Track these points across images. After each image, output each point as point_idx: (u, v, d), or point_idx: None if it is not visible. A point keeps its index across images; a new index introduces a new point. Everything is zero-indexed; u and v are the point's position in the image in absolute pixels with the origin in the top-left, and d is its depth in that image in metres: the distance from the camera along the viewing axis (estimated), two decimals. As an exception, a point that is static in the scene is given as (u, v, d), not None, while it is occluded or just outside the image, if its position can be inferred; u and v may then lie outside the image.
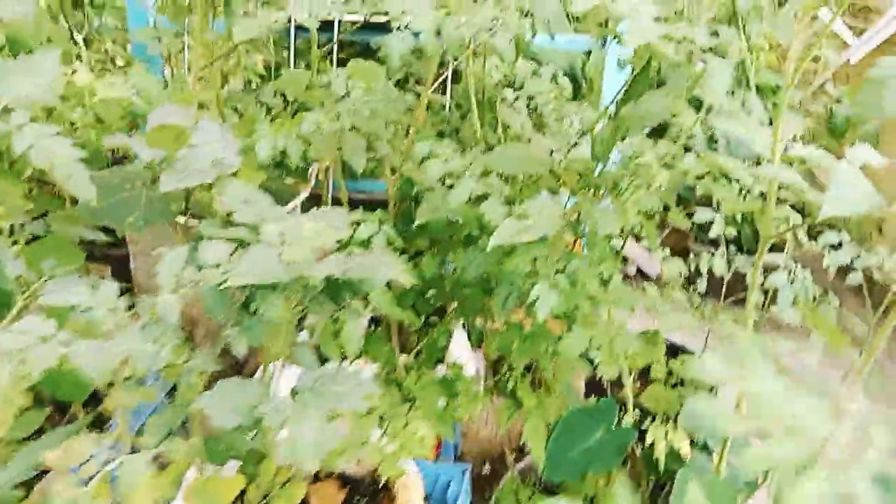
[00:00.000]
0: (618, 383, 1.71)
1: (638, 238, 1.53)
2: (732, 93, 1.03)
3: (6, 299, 1.03)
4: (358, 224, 1.24)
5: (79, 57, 1.70)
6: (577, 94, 1.91)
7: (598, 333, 1.20)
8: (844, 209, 0.77)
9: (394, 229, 1.43)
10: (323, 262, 0.92)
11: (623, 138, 1.09)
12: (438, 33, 1.02)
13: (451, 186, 1.17)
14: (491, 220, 1.10)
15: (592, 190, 1.14)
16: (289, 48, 2.01)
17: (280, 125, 1.24)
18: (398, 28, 1.01)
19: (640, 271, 3.49)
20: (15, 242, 1.10)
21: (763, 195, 1.15)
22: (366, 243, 1.23)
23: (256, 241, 0.94)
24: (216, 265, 0.89)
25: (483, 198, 1.12)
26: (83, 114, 1.30)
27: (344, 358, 1.48)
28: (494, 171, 1.21)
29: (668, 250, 1.67)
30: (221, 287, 0.83)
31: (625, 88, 1.16)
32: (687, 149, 1.23)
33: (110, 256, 2.18)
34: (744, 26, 1.09)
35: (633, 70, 1.19)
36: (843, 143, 2.58)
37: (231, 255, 0.90)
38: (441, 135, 1.56)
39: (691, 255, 1.63)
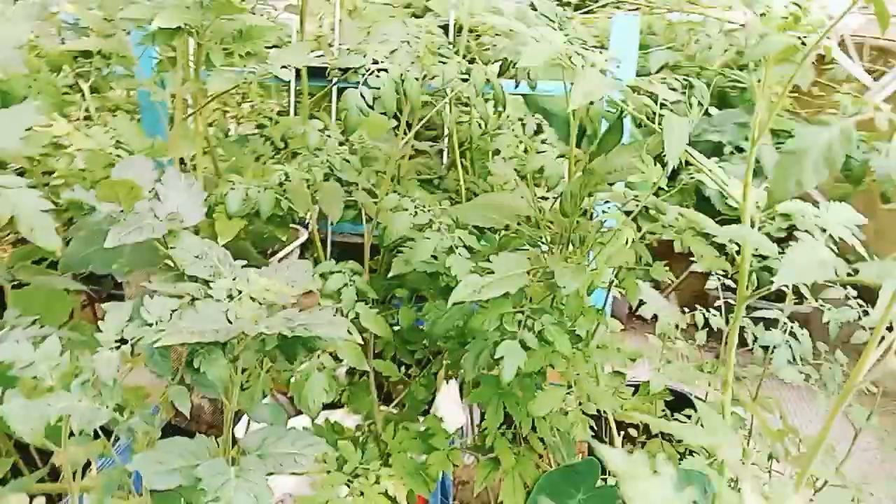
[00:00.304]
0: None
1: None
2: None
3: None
4: (329, 274, 1.22)
5: (74, 106, 1.73)
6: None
7: (576, 390, 1.15)
8: (798, 278, 0.72)
9: (378, 277, 1.41)
10: (266, 321, 0.90)
11: (590, 194, 1.05)
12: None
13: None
14: (456, 274, 1.08)
15: (562, 245, 1.11)
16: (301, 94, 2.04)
17: (253, 175, 1.23)
18: (358, 82, 1.00)
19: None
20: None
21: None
22: (335, 295, 1.21)
23: (205, 297, 0.93)
24: (157, 321, 0.88)
25: (451, 251, 1.09)
26: (69, 163, 1.32)
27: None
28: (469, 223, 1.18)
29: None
30: (158, 345, 0.81)
31: (597, 141, 1.13)
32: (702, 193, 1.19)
33: (115, 297, 2.21)
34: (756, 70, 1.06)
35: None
36: (860, 188, 2.50)
37: (173, 311, 0.89)
38: (429, 182, 1.55)
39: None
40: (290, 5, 1.85)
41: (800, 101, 2.97)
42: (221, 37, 1.37)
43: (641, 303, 1.25)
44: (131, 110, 2.06)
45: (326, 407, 1.66)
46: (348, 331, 0.91)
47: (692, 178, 2.71)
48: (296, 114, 1.96)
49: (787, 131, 2.65)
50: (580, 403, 1.14)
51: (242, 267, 1.05)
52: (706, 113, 1.13)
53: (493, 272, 1.04)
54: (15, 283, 1.42)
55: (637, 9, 2.77)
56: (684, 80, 1.07)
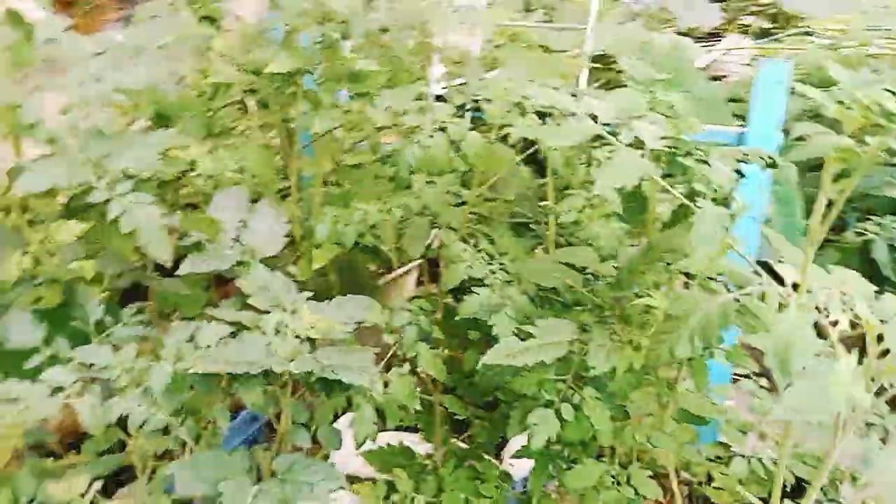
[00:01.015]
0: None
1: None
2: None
3: (84, 340, 1.22)
4: (399, 311, 1.28)
5: (240, 122, 1.94)
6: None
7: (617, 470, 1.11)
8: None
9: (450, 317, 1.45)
10: (299, 360, 0.97)
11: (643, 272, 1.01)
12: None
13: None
14: (498, 333, 1.09)
15: (610, 321, 1.07)
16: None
17: (342, 209, 1.32)
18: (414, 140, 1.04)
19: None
20: (104, 291, 1.30)
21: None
22: (396, 331, 1.26)
23: (255, 328, 1.03)
24: (206, 346, 0.99)
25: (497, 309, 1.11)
26: (201, 184, 1.50)
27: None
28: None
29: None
30: (192, 371, 0.92)
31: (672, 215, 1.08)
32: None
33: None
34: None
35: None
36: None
37: (221, 339, 0.99)
38: (524, 226, 1.55)
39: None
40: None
41: None
42: (337, 78, 1.48)
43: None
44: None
45: (406, 429, 1.73)
46: (372, 380, 0.96)
47: (862, 234, 2.44)
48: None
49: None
50: (619, 483, 1.10)
51: (308, 298, 1.15)
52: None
53: (533, 337, 1.04)
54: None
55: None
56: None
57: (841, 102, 0.84)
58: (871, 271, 2.30)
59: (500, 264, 1.18)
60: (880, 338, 0.64)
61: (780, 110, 1.76)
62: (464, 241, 1.41)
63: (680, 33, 3.99)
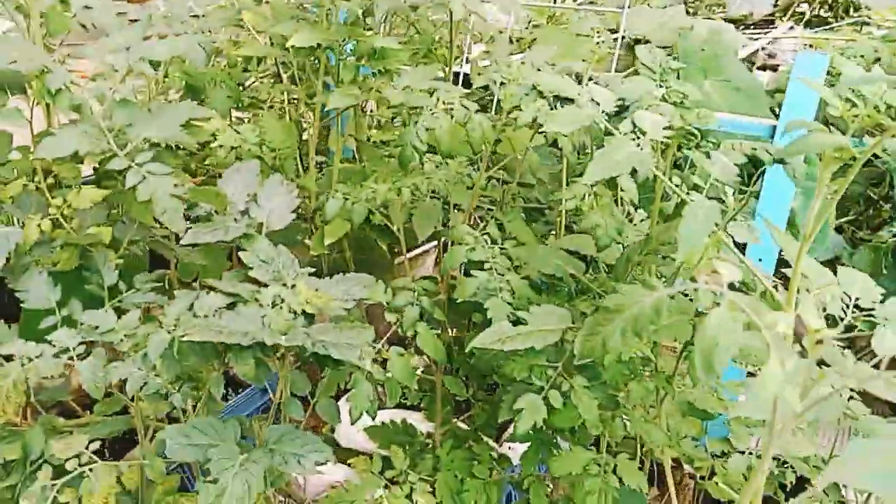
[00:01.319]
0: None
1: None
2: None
3: (99, 304, 1.27)
4: (400, 290, 1.29)
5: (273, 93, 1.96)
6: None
7: (605, 458, 1.11)
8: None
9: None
10: (292, 333, 0.99)
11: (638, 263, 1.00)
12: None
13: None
14: (492, 317, 1.09)
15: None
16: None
17: (353, 187, 1.34)
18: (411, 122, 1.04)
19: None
20: (120, 257, 1.35)
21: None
22: (399, 311, 1.27)
23: (254, 301, 1.05)
24: (204, 315, 1.01)
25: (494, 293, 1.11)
26: (224, 156, 1.52)
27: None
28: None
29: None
30: (185, 339, 0.94)
31: (674, 208, 1.06)
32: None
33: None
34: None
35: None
36: None
37: (219, 309, 1.02)
38: (538, 211, 1.55)
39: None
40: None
41: None
42: (359, 55, 1.49)
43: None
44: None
45: (410, 407, 1.75)
46: (362, 358, 0.98)
47: (896, 236, 2.35)
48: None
49: None
50: (605, 473, 1.10)
51: (310, 274, 1.17)
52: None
53: (526, 323, 1.04)
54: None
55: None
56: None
57: (848, 100, 0.81)
58: (906, 275, 2.22)
59: (502, 249, 1.18)
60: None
61: (812, 104, 1.71)
62: (473, 224, 1.42)
63: (732, 20, 3.87)
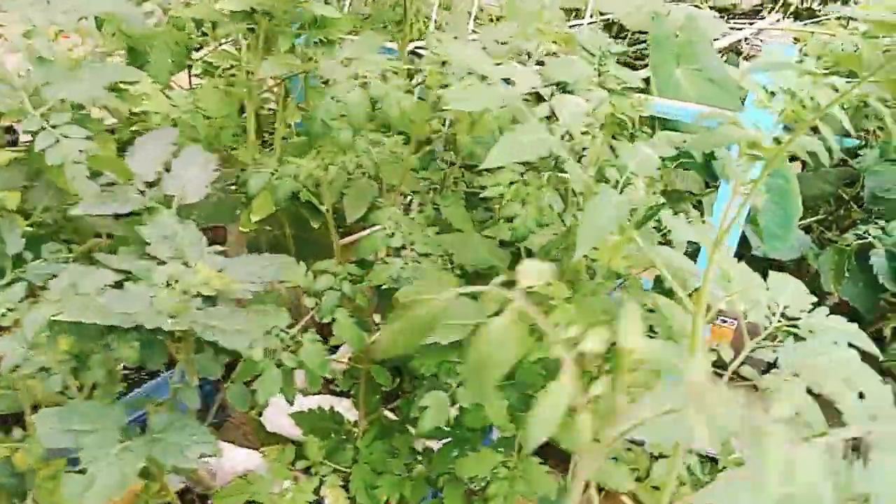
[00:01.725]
0: None
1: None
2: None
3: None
4: (321, 273, 1.23)
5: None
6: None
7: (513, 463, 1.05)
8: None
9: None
10: (180, 317, 0.92)
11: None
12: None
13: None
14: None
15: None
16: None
17: (279, 162, 1.26)
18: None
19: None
20: (31, 225, 1.27)
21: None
22: (318, 295, 1.21)
23: (146, 280, 0.98)
24: (89, 293, 0.94)
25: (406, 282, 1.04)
26: (158, 124, 1.44)
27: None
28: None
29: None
30: (58, 318, 0.88)
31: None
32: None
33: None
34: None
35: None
36: None
37: (104, 287, 0.95)
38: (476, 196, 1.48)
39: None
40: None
41: None
42: (299, 23, 1.40)
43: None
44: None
45: (341, 394, 1.70)
46: (252, 345, 0.91)
47: (864, 237, 2.30)
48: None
49: None
50: (512, 478, 1.04)
51: (217, 253, 1.10)
52: None
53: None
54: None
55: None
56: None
57: (772, 93, 0.75)
58: (870, 278, 2.17)
59: (425, 235, 1.11)
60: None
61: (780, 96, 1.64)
62: (409, 208, 1.35)
63: (720, 8, 3.78)
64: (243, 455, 1.45)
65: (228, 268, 1.08)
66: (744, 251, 2.24)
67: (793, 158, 2.44)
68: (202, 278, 0.98)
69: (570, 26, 2.26)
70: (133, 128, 1.52)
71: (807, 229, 2.57)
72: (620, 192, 0.78)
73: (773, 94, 0.73)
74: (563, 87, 1.04)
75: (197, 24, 1.74)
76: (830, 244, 2.34)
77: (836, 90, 0.71)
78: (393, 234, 1.10)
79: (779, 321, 0.96)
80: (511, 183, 1.02)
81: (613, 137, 1.04)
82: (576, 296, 0.93)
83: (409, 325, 0.54)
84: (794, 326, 0.95)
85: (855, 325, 0.98)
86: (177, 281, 0.98)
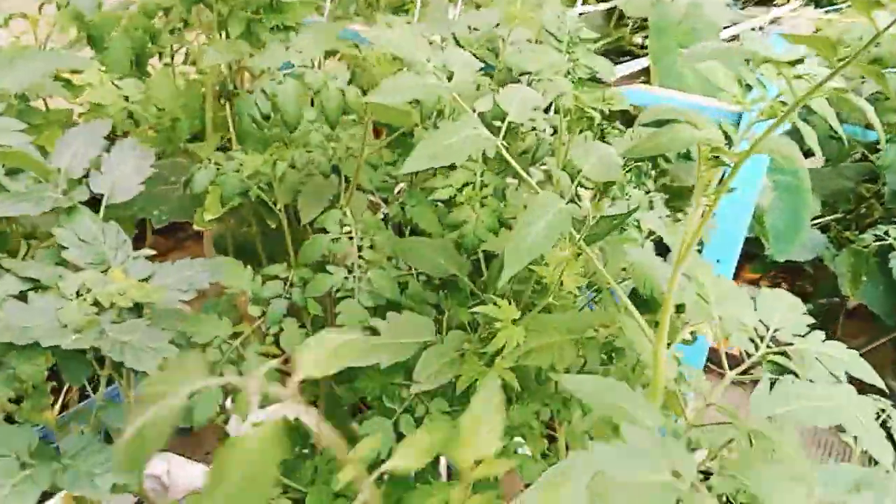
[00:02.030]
0: None
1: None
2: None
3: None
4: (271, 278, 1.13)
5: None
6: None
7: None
8: None
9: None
10: (85, 333, 0.83)
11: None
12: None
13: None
14: (344, 323, 0.92)
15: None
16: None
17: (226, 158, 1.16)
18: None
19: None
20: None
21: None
22: (265, 303, 1.11)
23: (56, 289, 0.88)
24: (-13, 304, 0.85)
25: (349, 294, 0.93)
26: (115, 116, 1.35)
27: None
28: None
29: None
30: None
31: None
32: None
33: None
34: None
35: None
36: None
37: (7, 297, 0.85)
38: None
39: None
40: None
41: None
42: (255, 7, 1.30)
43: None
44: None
45: (314, 402, 1.59)
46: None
47: (883, 238, 2.14)
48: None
49: None
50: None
51: (148, 258, 1.00)
52: None
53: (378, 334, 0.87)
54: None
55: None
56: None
57: (748, 86, 0.63)
58: (890, 281, 2.02)
59: (371, 240, 1.00)
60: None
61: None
62: (377, 208, 1.25)
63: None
64: (198, 471, 1.36)
65: (158, 274, 0.98)
66: (757, 251, 2.10)
67: (807, 154, 2.29)
68: (117, 287, 0.89)
69: (580, 14, 2.13)
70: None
71: (824, 228, 2.42)
72: (571, 201, 0.67)
73: (749, 87, 0.61)
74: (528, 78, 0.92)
75: (165, 10, 1.64)
76: (849, 244, 2.20)
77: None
78: (338, 238, 0.99)
79: (767, 346, 0.84)
80: (466, 184, 0.91)
81: (581, 133, 0.93)
82: (529, 316, 0.81)
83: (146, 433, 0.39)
84: (784, 354, 0.83)
85: (854, 353, 0.86)
86: (89, 290, 0.88)
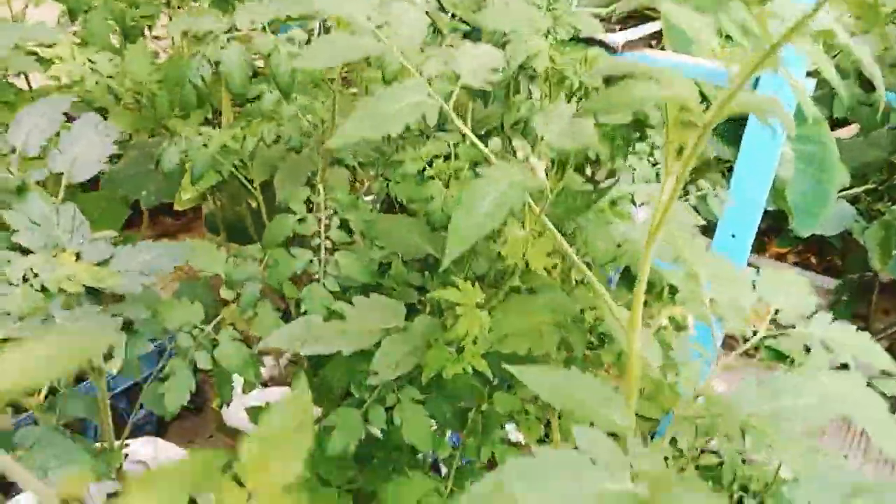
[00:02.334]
0: None
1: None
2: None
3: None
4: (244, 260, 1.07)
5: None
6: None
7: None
8: None
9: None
10: (28, 321, 0.78)
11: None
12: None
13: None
14: (307, 309, 0.86)
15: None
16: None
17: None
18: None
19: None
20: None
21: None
22: (238, 286, 1.05)
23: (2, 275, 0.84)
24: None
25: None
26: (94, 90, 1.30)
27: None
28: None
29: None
30: None
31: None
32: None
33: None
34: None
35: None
36: None
37: (-53, 284, 0.81)
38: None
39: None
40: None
41: None
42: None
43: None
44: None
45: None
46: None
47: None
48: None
49: None
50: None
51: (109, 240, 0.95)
52: None
53: (343, 319, 0.81)
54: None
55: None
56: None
57: (728, 37, 0.54)
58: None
59: (343, 219, 0.93)
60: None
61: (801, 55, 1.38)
62: (359, 185, 1.18)
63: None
64: (182, 455, 1.33)
65: (117, 257, 0.93)
66: (783, 225, 1.99)
67: (841, 122, 2.15)
68: (66, 272, 0.84)
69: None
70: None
71: (853, 200, 2.29)
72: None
73: (728, 38, 0.52)
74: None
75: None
76: (880, 216, 2.07)
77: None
78: (304, 218, 0.93)
79: (767, 329, 0.76)
80: (436, 156, 0.84)
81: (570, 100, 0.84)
82: (499, 298, 0.74)
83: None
84: (785, 335, 0.74)
85: (865, 336, 0.77)
86: (36, 275, 0.83)
